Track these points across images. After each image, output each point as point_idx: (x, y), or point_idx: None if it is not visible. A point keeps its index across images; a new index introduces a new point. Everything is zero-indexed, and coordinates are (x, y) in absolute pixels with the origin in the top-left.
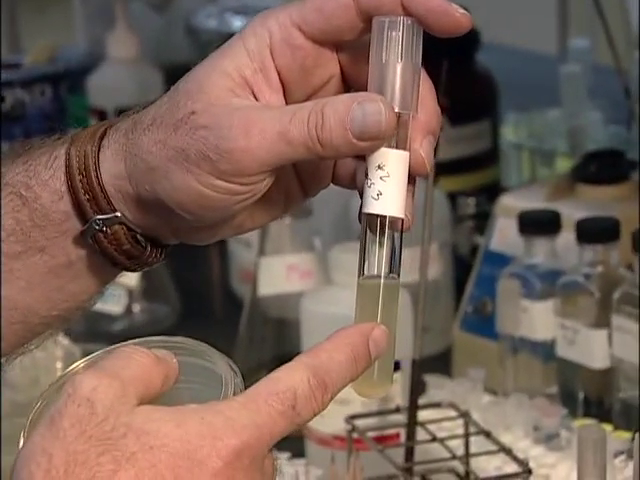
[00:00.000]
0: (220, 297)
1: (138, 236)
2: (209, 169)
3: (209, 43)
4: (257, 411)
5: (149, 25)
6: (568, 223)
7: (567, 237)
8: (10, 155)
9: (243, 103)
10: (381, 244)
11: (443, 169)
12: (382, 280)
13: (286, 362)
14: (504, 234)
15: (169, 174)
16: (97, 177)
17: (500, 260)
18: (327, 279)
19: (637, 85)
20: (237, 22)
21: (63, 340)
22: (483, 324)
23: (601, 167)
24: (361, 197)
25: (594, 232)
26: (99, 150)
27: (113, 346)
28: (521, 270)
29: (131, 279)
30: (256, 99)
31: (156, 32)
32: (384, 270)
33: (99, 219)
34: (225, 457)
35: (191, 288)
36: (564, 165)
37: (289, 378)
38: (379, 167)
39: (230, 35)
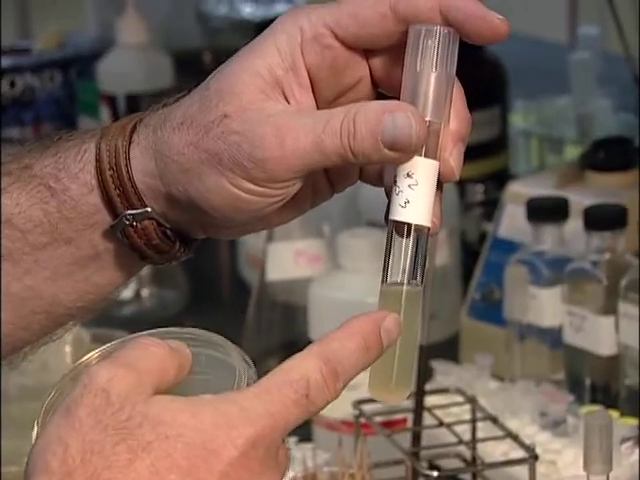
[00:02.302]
0: (228, 282)
1: (167, 231)
2: (242, 174)
3: (219, 29)
4: (271, 400)
5: (159, 10)
6: (576, 210)
7: (575, 224)
8: (38, 147)
9: (276, 108)
10: (406, 251)
11: None
12: (404, 287)
13: (294, 347)
14: (512, 221)
15: (202, 177)
16: (128, 173)
17: (508, 247)
18: (335, 264)
19: None
20: (247, 8)
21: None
22: (490, 311)
23: (610, 154)
24: (388, 199)
25: (602, 219)
26: (129, 145)
27: (127, 337)
28: (529, 257)
29: None
30: (286, 98)
31: (166, 18)
32: (407, 277)
33: (129, 214)
34: (241, 446)
35: (200, 273)
36: (573, 152)
37: (301, 367)
38: (408, 175)
39: (240, 21)
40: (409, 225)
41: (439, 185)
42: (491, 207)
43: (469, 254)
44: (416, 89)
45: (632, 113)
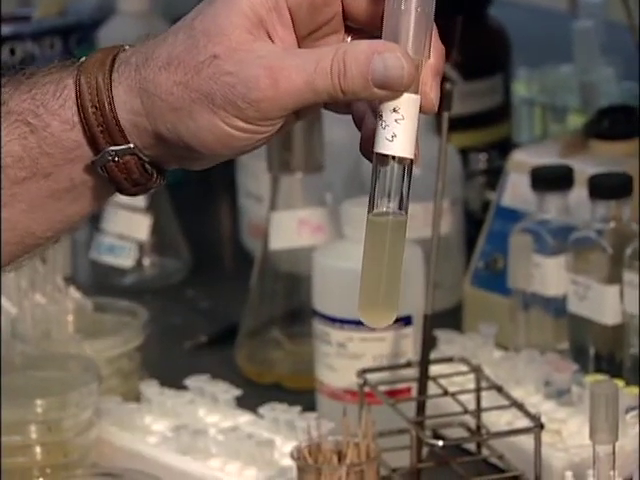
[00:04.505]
0: (230, 252)
1: (146, 165)
2: (235, 113)
3: None
4: None
5: None
6: (581, 179)
7: (579, 193)
8: (10, 83)
9: (265, 49)
10: (391, 182)
11: (455, 124)
12: (390, 217)
13: (297, 317)
14: (516, 190)
15: (194, 114)
16: (112, 110)
17: (512, 216)
18: (338, 234)
19: None
20: None
21: (74, 293)
22: (494, 280)
23: (614, 123)
24: (357, 126)
25: (606, 188)
26: (111, 83)
27: None
28: (533, 226)
29: (142, 233)
30: (270, 37)
31: None
32: (392, 207)
33: (112, 150)
34: None
35: (202, 242)
36: (576, 121)
37: None
38: (394, 110)
39: None
40: (394, 157)
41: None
42: (494, 176)
43: (472, 223)
44: (399, 27)
45: (635, 81)
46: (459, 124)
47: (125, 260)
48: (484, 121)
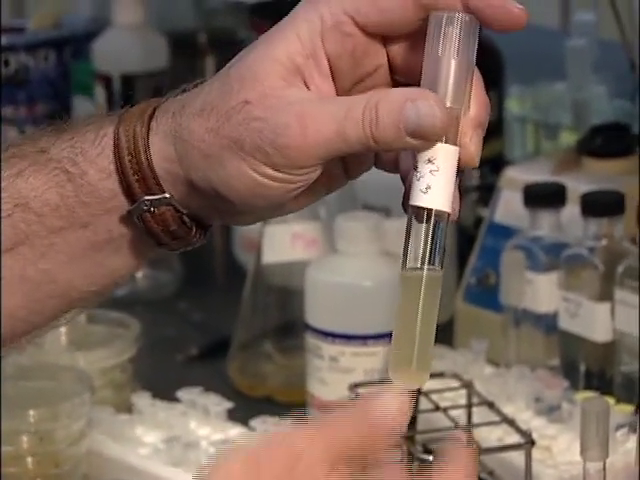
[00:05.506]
0: (222, 265)
1: (184, 217)
2: (264, 160)
3: (214, 10)
4: None
5: None
6: (573, 196)
7: (572, 210)
8: (53, 131)
9: (297, 95)
10: (426, 236)
11: None
12: (425, 272)
13: (289, 330)
14: (509, 206)
15: (224, 162)
16: (147, 159)
17: (504, 232)
18: (332, 248)
19: None
20: None
21: None
22: (486, 296)
23: (607, 141)
24: (404, 184)
25: (599, 205)
26: (148, 131)
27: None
28: (526, 242)
29: None
30: (306, 85)
31: None
32: (427, 262)
33: (147, 200)
34: None
35: (194, 255)
36: (568, 138)
37: None
38: (429, 161)
39: (235, 3)
40: (429, 210)
41: (458, 171)
42: (487, 192)
43: (464, 239)
44: (437, 75)
45: (627, 99)
46: None
47: None
48: None
